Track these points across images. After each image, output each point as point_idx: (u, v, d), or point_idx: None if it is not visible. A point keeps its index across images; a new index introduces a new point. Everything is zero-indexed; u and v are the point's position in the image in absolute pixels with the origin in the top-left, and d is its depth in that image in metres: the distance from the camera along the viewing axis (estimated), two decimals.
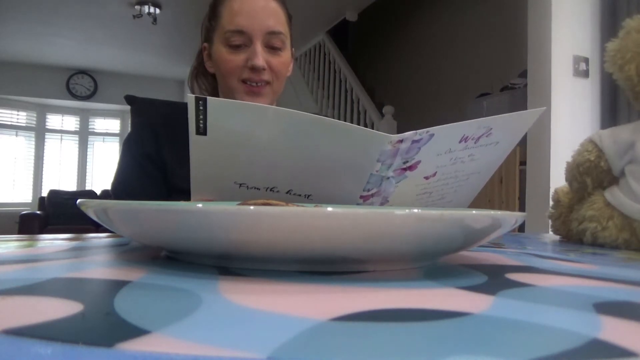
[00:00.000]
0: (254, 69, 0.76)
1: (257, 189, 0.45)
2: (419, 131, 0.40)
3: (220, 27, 0.78)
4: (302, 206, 0.28)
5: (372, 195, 0.45)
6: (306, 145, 0.42)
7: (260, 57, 0.76)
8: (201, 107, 0.39)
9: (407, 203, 0.48)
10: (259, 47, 0.76)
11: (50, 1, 3.79)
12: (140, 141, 0.81)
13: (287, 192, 0.46)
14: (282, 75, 0.81)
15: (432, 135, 0.41)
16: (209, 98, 0.39)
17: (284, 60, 0.80)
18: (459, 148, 0.44)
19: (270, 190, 0.46)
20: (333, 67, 4.20)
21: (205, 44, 0.84)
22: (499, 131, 0.45)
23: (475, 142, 0.45)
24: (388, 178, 0.43)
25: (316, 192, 0.46)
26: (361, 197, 0.45)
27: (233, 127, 0.41)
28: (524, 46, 2.27)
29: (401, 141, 0.40)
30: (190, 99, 0.38)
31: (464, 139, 0.44)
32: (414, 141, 0.41)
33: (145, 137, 0.81)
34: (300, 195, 0.46)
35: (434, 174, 0.46)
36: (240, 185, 0.45)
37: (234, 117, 0.41)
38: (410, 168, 0.43)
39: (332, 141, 0.41)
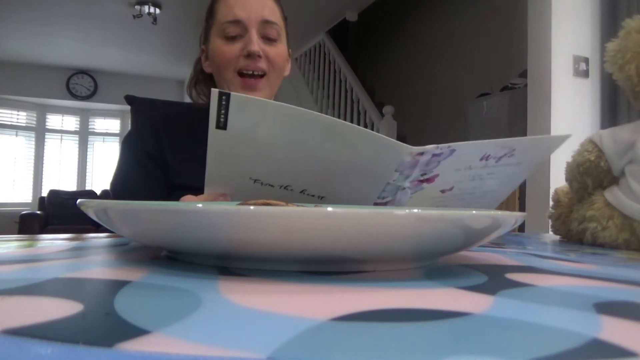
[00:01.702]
0: (250, 56, 0.77)
1: (272, 186, 0.45)
2: (440, 145, 0.40)
3: (216, 22, 0.80)
4: (302, 206, 0.28)
5: (385, 204, 0.45)
6: (327, 148, 0.41)
7: (256, 44, 0.77)
8: (224, 102, 0.39)
9: None
10: (254, 34, 0.77)
11: (50, 1, 3.79)
12: (140, 139, 0.82)
13: (300, 192, 0.46)
14: (278, 67, 0.81)
15: (453, 150, 0.40)
16: (232, 93, 0.38)
17: (280, 52, 0.81)
18: (479, 166, 0.44)
19: (284, 188, 0.45)
20: (333, 67, 4.20)
21: (203, 46, 0.85)
22: (521, 153, 0.44)
23: (496, 162, 0.44)
24: (404, 188, 0.43)
25: (330, 194, 0.45)
26: (375, 203, 0.45)
27: (254, 123, 0.41)
28: (524, 46, 2.27)
29: (422, 154, 0.40)
30: (213, 92, 0.38)
31: (485, 157, 0.43)
32: (434, 155, 0.40)
33: (145, 136, 0.81)
34: (313, 196, 0.46)
35: (451, 189, 0.46)
36: (255, 181, 0.45)
37: (256, 114, 0.40)
38: (428, 181, 0.43)
39: (354, 147, 0.41)
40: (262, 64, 0.78)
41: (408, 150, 0.39)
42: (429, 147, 0.39)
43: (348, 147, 0.41)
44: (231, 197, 0.47)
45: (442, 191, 0.46)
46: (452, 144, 0.40)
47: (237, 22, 0.77)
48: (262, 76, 0.79)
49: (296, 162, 0.43)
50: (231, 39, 0.78)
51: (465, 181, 0.46)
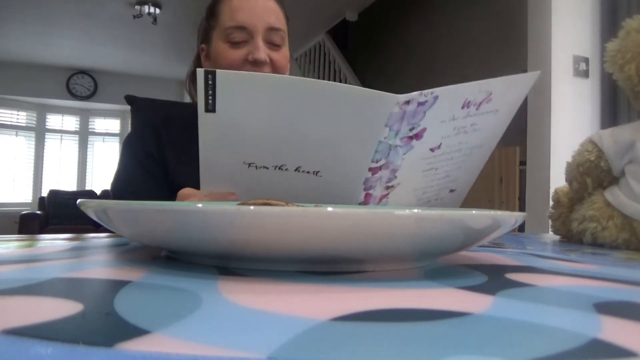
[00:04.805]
0: (256, 63, 0.76)
1: (266, 167, 0.45)
2: (424, 92, 0.41)
3: (220, 25, 0.79)
4: (302, 206, 0.28)
5: (380, 168, 0.45)
6: (318, 110, 0.41)
7: (262, 51, 0.76)
8: (210, 82, 0.39)
9: (414, 181, 0.48)
10: (260, 41, 0.77)
11: (50, 1, 3.79)
12: (141, 140, 0.82)
13: (295, 170, 0.45)
14: (282, 72, 0.81)
15: (436, 97, 0.41)
16: (217, 71, 0.38)
17: (284, 55, 0.81)
18: (462, 115, 0.45)
19: (279, 168, 0.45)
20: (333, 67, 4.20)
21: (203, 45, 0.84)
22: (498, 96, 0.46)
23: (477, 109, 0.46)
24: (396, 147, 0.44)
25: (325, 167, 0.45)
26: (370, 169, 0.45)
27: (242, 100, 0.41)
28: (524, 46, 2.27)
29: (408, 102, 0.41)
30: (199, 72, 0.38)
31: (466, 105, 0.44)
32: (419, 103, 0.41)
33: (146, 136, 0.81)
34: (309, 172, 0.46)
35: (439, 146, 0.47)
36: (249, 165, 0.45)
37: (243, 88, 0.40)
38: (417, 136, 0.44)
39: (343, 103, 0.41)
40: (267, 70, 0.78)
41: (395, 100, 0.40)
42: (414, 94, 0.41)
43: (338, 104, 0.41)
44: (226, 182, 0.47)
45: (432, 150, 0.47)
46: (434, 90, 0.41)
47: (242, 28, 0.76)
48: None
49: (288, 134, 0.43)
50: (236, 44, 0.77)
51: (451, 135, 0.47)
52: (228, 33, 0.77)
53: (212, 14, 0.82)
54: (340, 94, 0.41)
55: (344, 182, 0.46)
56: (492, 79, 0.45)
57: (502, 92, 0.47)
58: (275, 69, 0.78)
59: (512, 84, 0.48)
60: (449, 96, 0.43)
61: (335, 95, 0.41)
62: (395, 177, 0.46)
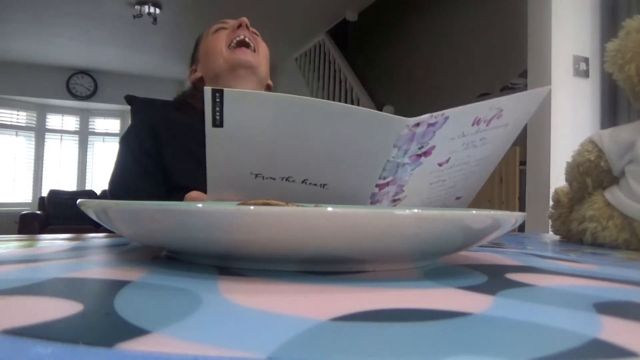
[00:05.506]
0: (240, 26, 0.86)
1: (273, 179, 0.45)
2: (434, 114, 0.40)
3: (205, 38, 0.91)
4: (302, 206, 0.28)
5: (387, 184, 0.45)
6: (324, 132, 0.41)
7: (243, 18, 0.88)
8: (217, 99, 0.39)
9: (421, 193, 0.48)
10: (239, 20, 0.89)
11: (50, 1, 3.79)
12: (137, 137, 0.82)
13: (302, 182, 0.46)
14: (264, 53, 0.90)
15: (446, 118, 0.41)
16: (225, 89, 0.39)
17: (264, 45, 0.91)
18: (472, 132, 0.45)
19: (286, 180, 0.45)
20: (333, 67, 4.20)
21: (192, 67, 0.94)
22: (509, 112, 0.45)
23: (487, 125, 0.45)
24: (404, 165, 0.43)
25: (332, 181, 0.45)
26: (377, 185, 0.45)
27: (249, 117, 0.41)
28: (524, 46, 2.27)
29: (418, 125, 0.40)
30: (206, 90, 0.39)
31: (477, 122, 0.44)
32: (429, 125, 0.41)
33: (142, 134, 0.81)
34: (316, 184, 0.46)
35: (448, 160, 0.46)
36: (256, 175, 0.45)
37: (250, 107, 0.41)
38: (425, 154, 0.43)
39: (351, 127, 0.41)
40: (247, 34, 0.87)
41: (404, 123, 0.40)
42: (424, 117, 0.40)
43: (345, 127, 0.41)
44: (233, 190, 0.47)
45: (440, 164, 0.46)
46: (445, 111, 0.40)
47: (223, 22, 0.90)
48: (250, 48, 0.87)
49: (295, 150, 0.43)
50: (219, 31, 0.88)
51: (460, 150, 0.46)
52: (213, 30, 0.89)
53: (198, 40, 0.95)
54: (347, 115, 0.40)
55: (351, 196, 0.46)
56: (503, 97, 0.44)
57: (513, 108, 0.46)
58: (257, 45, 0.88)
59: (523, 100, 0.48)
60: (460, 116, 0.42)
61: (342, 117, 0.40)
62: (403, 191, 0.46)
